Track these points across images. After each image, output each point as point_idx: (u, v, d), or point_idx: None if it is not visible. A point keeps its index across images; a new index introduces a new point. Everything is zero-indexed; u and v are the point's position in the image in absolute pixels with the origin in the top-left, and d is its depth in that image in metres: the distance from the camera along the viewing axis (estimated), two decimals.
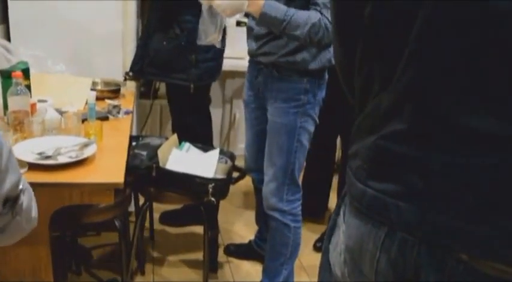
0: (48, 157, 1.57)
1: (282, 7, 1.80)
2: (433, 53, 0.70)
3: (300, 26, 1.78)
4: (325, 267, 0.94)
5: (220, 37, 1.92)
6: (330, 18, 1.75)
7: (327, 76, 2.03)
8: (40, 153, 1.58)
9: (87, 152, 1.64)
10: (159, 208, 2.77)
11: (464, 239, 0.68)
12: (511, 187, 0.66)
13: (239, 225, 2.96)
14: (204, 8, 1.86)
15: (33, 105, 1.84)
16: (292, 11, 1.79)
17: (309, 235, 2.75)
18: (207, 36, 1.89)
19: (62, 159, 1.58)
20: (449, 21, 0.68)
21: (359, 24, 0.80)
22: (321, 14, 1.78)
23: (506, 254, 0.66)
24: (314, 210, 3.00)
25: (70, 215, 1.79)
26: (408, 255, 0.72)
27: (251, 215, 2.66)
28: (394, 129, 0.74)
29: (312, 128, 2.05)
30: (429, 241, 0.71)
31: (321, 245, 2.79)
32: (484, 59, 0.66)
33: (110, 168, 1.63)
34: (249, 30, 2.07)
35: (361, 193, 0.79)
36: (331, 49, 1.97)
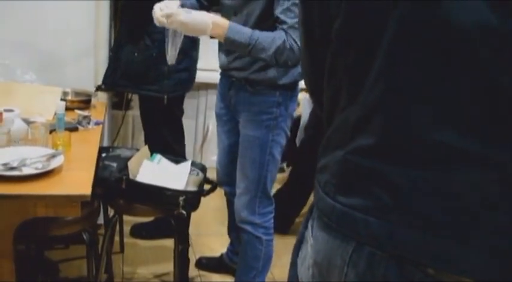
0: (12, 168, 1.53)
1: (246, 30, 1.78)
2: (402, 68, 0.70)
3: (265, 49, 1.76)
4: (294, 280, 0.93)
5: (176, 57, 1.90)
6: (296, 39, 1.75)
7: (299, 89, 2.03)
8: (4, 164, 1.54)
9: (54, 164, 1.60)
10: (129, 221, 2.72)
11: (431, 254, 0.68)
12: (476, 203, 0.67)
13: (211, 238, 2.93)
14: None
15: None
16: (256, 34, 1.77)
17: (281, 248, 2.74)
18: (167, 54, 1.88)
19: (27, 171, 1.54)
20: (418, 33, 0.68)
21: (327, 37, 0.80)
22: (286, 33, 1.76)
23: (473, 268, 0.67)
24: (286, 225, 3.01)
25: (35, 228, 1.75)
26: (376, 269, 0.72)
27: (223, 228, 2.64)
28: (362, 144, 0.75)
29: (283, 141, 2.05)
30: (397, 255, 0.71)
31: None
32: (450, 74, 0.67)
33: (77, 180, 1.60)
34: (220, 44, 2.06)
35: (330, 208, 0.79)
36: None
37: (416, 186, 0.69)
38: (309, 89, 0.97)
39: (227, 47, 1.86)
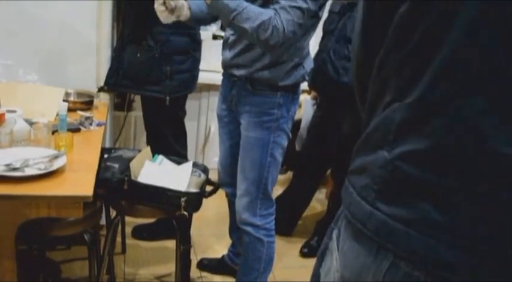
0: (15, 169, 1.53)
1: None
2: (469, 70, 0.63)
3: (250, 19, 1.72)
4: None
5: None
6: (284, 21, 1.71)
7: (300, 91, 2.03)
8: (7, 165, 1.54)
9: (57, 164, 1.60)
10: (131, 222, 2.72)
11: (474, 276, 0.64)
12: None
13: (212, 239, 2.94)
14: None
15: (1, 116, 1.79)
16: (245, 3, 1.74)
17: (283, 250, 2.74)
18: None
19: (30, 171, 1.54)
20: (488, 30, 0.62)
21: (387, 24, 0.74)
22: (276, 13, 1.73)
23: None
24: (290, 227, 3.01)
25: (37, 228, 1.75)
26: None
27: (225, 229, 2.64)
28: (412, 149, 0.68)
29: (285, 142, 2.05)
30: (435, 275, 0.66)
31: (307, 251, 2.79)
32: None
33: (79, 180, 1.60)
34: (225, 41, 2.06)
35: (367, 215, 0.73)
36: (306, 65, 1.97)
37: (469, 204, 0.64)
38: (356, 82, 0.89)
39: (213, 9, 1.79)
